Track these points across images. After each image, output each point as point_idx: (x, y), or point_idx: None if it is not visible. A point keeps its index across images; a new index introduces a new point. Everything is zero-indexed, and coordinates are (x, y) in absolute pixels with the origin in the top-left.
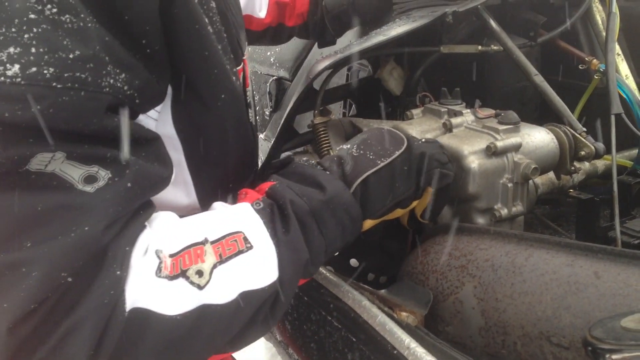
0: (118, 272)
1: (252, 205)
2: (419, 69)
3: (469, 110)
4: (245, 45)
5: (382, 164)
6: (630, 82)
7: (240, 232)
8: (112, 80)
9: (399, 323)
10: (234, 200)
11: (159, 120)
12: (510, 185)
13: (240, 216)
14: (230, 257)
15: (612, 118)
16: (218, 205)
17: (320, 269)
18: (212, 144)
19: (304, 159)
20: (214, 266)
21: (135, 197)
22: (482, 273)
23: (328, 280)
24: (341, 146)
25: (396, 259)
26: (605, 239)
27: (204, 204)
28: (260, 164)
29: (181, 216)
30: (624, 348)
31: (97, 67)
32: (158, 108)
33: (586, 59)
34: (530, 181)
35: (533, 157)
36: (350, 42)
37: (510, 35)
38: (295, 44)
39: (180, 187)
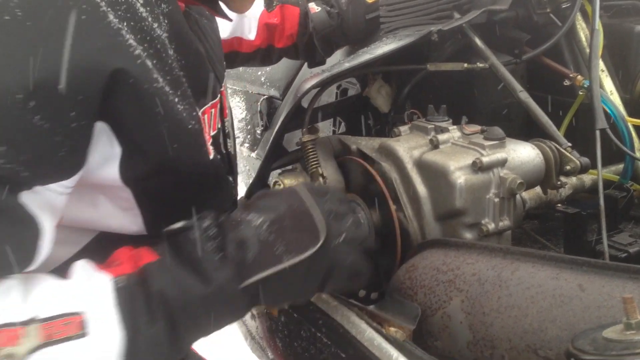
0: None
1: (113, 280)
2: (407, 86)
3: (455, 127)
4: (222, 77)
5: (288, 264)
6: (615, 98)
7: (80, 313)
8: None
9: (388, 338)
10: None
11: (105, 173)
12: (496, 200)
13: (92, 293)
14: (57, 341)
15: (597, 133)
16: (78, 270)
17: None
18: (164, 188)
19: (205, 225)
20: (33, 350)
21: None
22: (469, 287)
23: (317, 297)
24: (250, 216)
25: (387, 274)
26: (592, 253)
27: (155, 232)
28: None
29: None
30: (605, 358)
31: None
32: (66, 182)
33: (571, 75)
34: (518, 196)
35: (519, 172)
36: (339, 61)
37: (496, 52)
38: (285, 64)
39: (128, 217)
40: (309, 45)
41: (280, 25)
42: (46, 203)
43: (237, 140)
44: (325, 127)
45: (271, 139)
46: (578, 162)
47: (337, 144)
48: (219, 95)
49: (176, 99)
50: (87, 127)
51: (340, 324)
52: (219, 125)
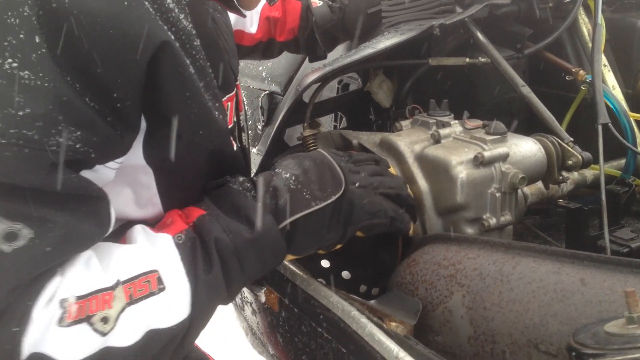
0: (14, 329)
1: (173, 238)
2: (408, 81)
3: (457, 122)
4: (237, 70)
5: (315, 208)
6: (617, 93)
7: (155, 271)
8: (61, 139)
9: (388, 333)
10: None
11: (128, 153)
12: (498, 194)
13: (159, 252)
14: (140, 299)
15: (600, 128)
16: (139, 235)
17: (311, 280)
18: (185, 173)
19: (240, 180)
20: (122, 310)
21: (53, 259)
22: (471, 282)
23: (317, 292)
24: (280, 167)
25: (388, 270)
26: (594, 248)
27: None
28: None
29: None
30: (607, 352)
31: (47, 126)
32: (120, 159)
33: (573, 70)
34: (520, 191)
35: (521, 167)
36: (340, 55)
37: (498, 47)
38: (286, 59)
39: (147, 209)
40: (310, 39)
41: (281, 19)
42: (102, 177)
43: None
44: (326, 122)
45: (272, 133)
46: (580, 157)
47: (339, 138)
48: (234, 89)
49: (202, 88)
50: (135, 108)
51: (341, 318)
52: (235, 119)
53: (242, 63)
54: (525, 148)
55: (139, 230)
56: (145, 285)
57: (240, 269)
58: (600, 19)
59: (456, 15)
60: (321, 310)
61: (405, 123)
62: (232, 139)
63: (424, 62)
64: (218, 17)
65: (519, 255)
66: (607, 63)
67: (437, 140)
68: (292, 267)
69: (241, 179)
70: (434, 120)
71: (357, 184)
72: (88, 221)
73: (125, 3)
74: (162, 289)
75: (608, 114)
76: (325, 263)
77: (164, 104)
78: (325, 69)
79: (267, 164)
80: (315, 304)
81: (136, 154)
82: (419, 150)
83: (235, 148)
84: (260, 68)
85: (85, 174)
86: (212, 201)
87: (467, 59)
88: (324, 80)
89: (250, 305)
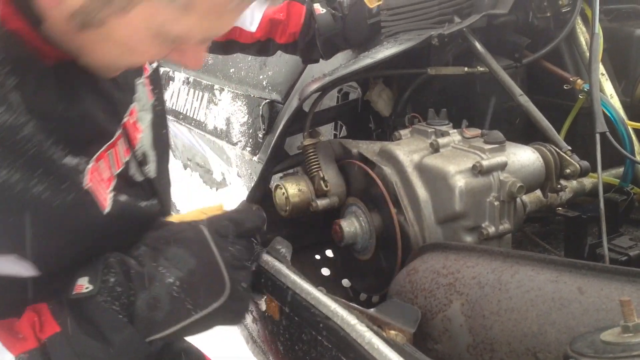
0: None
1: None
2: (407, 90)
3: (455, 131)
4: (126, 107)
5: (196, 317)
6: (615, 102)
7: None
8: None
9: (388, 341)
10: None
11: None
12: (497, 203)
13: None
14: None
15: (597, 137)
16: None
17: (310, 288)
18: (49, 253)
19: (112, 280)
20: None
21: None
22: (469, 290)
23: (318, 300)
24: (162, 268)
25: (387, 278)
26: (593, 256)
27: (54, 274)
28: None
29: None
30: None
31: None
32: None
33: (571, 79)
34: (518, 199)
35: (519, 176)
36: (339, 65)
37: (496, 56)
38: (287, 68)
39: (18, 265)
40: (310, 44)
41: (284, 22)
42: None
43: (239, 144)
44: (326, 131)
45: (273, 142)
46: (578, 166)
47: (338, 147)
48: (118, 131)
49: (33, 182)
50: None
51: (340, 327)
52: (126, 159)
53: (244, 72)
54: (524, 157)
55: None
56: None
57: None
58: (598, 28)
59: (454, 25)
60: (321, 318)
61: (404, 132)
62: (104, 199)
63: (423, 72)
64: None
65: (518, 263)
66: (604, 72)
67: (436, 149)
68: (292, 275)
69: (112, 279)
70: (433, 130)
71: (240, 287)
72: None
73: None
74: None
75: (606, 122)
76: (325, 271)
77: None
78: (325, 78)
79: (267, 173)
80: (315, 312)
81: None
82: (418, 160)
83: (108, 209)
84: (261, 77)
85: None
86: (73, 314)
87: (466, 69)
88: (324, 89)
89: (251, 313)
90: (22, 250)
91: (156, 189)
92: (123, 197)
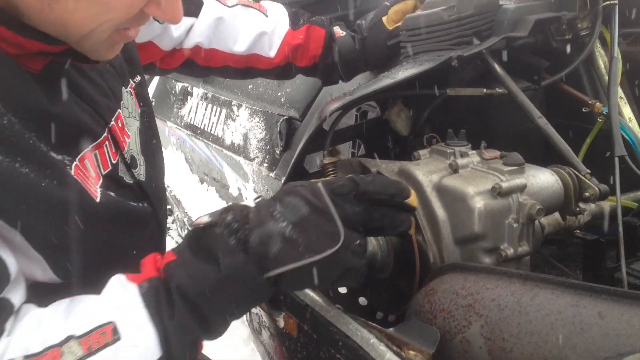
0: None
1: (138, 287)
2: (426, 110)
3: (474, 152)
4: (113, 112)
5: (307, 261)
6: (634, 125)
7: (111, 322)
8: None
9: None
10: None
11: None
12: (515, 225)
13: (122, 302)
14: (97, 351)
15: (616, 160)
16: (110, 285)
17: (330, 307)
18: (45, 235)
19: (229, 218)
20: None
21: None
22: (489, 312)
23: (337, 318)
24: (279, 208)
25: (405, 297)
26: (611, 280)
27: (68, 279)
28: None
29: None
30: None
31: None
32: None
33: (589, 102)
34: (536, 221)
35: (538, 198)
36: (359, 84)
37: (515, 78)
38: (305, 86)
39: (35, 263)
40: (330, 67)
41: (304, 45)
42: None
43: (256, 160)
44: (344, 149)
45: (293, 160)
46: (597, 189)
47: (358, 166)
48: (105, 133)
49: (17, 164)
50: None
51: (360, 345)
52: (114, 161)
53: (262, 88)
54: (543, 179)
55: (112, 282)
56: (100, 337)
57: (211, 309)
58: (617, 52)
59: (474, 47)
60: (340, 336)
61: (423, 152)
62: (94, 190)
63: (442, 92)
64: (75, 66)
65: (537, 286)
66: (623, 95)
67: (455, 170)
68: (311, 293)
69: (230, 217)
70: (452, 150)
71: (355, 243)
72: None
73: None
74: (116, 339)
75: (625, 146)
76: (342, 289)
77: None
78: (346, 98)
79: None
80: (334, 331)
81: None
82: (437, 180)
83: (98, 198)
84: (279, 94)
85: None
86: (189, 245)
87: (485, 90)
88: (345, 108)
89: (268, 329)
90: (26, 236)
91: (147, 193)
92: (112, 194)
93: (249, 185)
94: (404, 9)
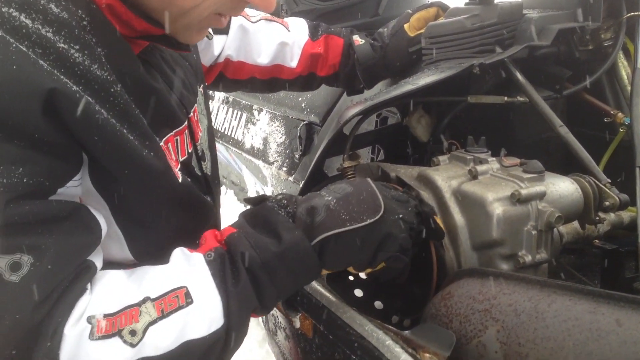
0: (49, 344)
1: (204, 256)
2: (447, 117)
3: (494, 159)
4: (192, 104)
5: (350, 227)
6: None
7: (184, 287)
8: (5, 180)
9: None
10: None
11: (82, 178)
12: (534, 232)
13: (190, 270)
14: (170, 313)
15: (637, 170)
16: (175, 256)
17: (346, 308)
18: (134, 208)
19: (278, 197)
20: (150, 323)
21: (59, 271)
22: (506, 317)
23: (353, 319)
24: (325, 190)
25: (420, 301)
26: (629, 291)
27: (141, 258)
28: None
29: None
30: None
31: None
32: (76, 177)
33: (611, 112)
34: (555, 230)
35: (557, 206)
36: (380, 90)
37: (536, 87)
38: (326, 91)
39: (114, 240)
40: (350, 75)
41: (323, 55)
42: (69, 196)
43: (275, 164)
44: (364, 154)
45: (312, 163)
46: (617, 199)
47: (377, 171)
48: (185, 122)
49: (125, 130)
50: (64, 139)
51: (375, 347)
52: (189, 150)
53: (282, 93)
54: (562, 187)
55: (176, 252)
56: (174, 300)
57: (269, 281)
58: None
59: (496, 55)
60: (356, 338)
61: (442, 158)
62: (176, 171)
63: (463, 100)
64: (174, 56)
65: (555, 293)
66: None
67: (474, 176)
68: (328, 294)
69: (279, 196)
70: (472, 157)
71: (399, 216)
72: (76, 233)
73: (11, 57)
74: (189, 302)
75: None
76: (358, 292)
77: (82, 146)
78: (366, 103)
79: (307, 192)
80: (350, 332)
81: (87, 180)
82: (456, 186)
83: (180, 180)
84: (300, 99)
85: (53, 197)
86: (246, 219)
87: (506, 98)
88: (365, 113)
89: (284, 330)
90: (114, 196)
91: (211, 187)
92: (188, 179)
93: (268, 189)
94: (426, 16)
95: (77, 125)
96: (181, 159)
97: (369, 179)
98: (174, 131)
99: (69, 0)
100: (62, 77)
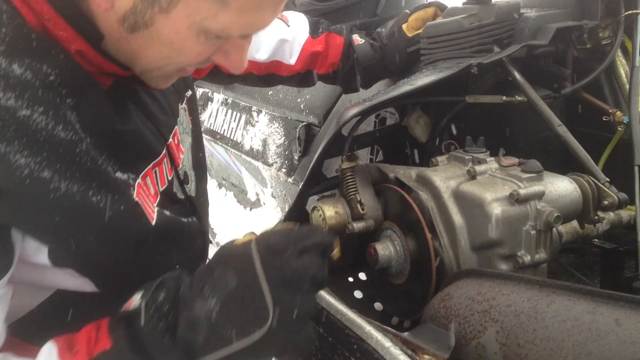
0: None
1: None
2: (445, 117)
3: (492, 159)
4: (170, 129)
5: (236, 349)
6: None
7: None
8: None
9: None
10: None
11: (39, 260)
12: (533, 232)
13: None
14: None
15: (636, 169)
16: (42, 356)
17: (345, 310)
18: (103, 261)
19: (160, 297)
20: None
21: None
22: (505, 318)
23: (352, 322)
24: (207, 286)
25: (420, 303)
26: (629, 289)
27: (108, 292)
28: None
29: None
30: None
31: None
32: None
33: (610, 110)
34: (554, 229)
35: (556, 206)
36: (378, 90)
37: (535, 86)
38: (324, 92)
39: (79, 281)
40: (349, 74)
41: (323, 53)
42: None
43: (274, 165)
44: (362, 155)
45: (311, 165)
46: (616, 198)
47: (376, 171)
48: (164, 150)
49: (90, 193)
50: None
51: (374, 349)
52: (170, 177)
53: (282, 94)
54: (561, 187)
55: (44, 351)
56: None
57: None
58: (638, 61)
59: (494, 54)
60: (355, 340)
61: (441, 158)
62: (151, 212)
63: (461, 100)
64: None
65: (554, 293)
66: None
67: (473, 176)
68: (327, 296)
69: (161, 298)
70: (470, 157)
71: (295, 313)
72: None
73: None
74: None
75: None
76: (358, 294)
77: (42, 234)
78: (365, 103)
79: (304, 194)
80: (349, 334)
81: (45, 262)
82: (455, 186)
83: (154, 221)
84: (299, 100)
85: None
86: (124, 331)
87: (504, 97)
88: (364, 114)
89: None
90: (80, 263)
91: (196, 207)
92: (167, 212)
93: (267, 190)
94: (424, 16)
95: (31, 213)
96: (161, 189)
97: (253, 249)
98: (152, 163)
99: (33, 56)
100: (18, 157)
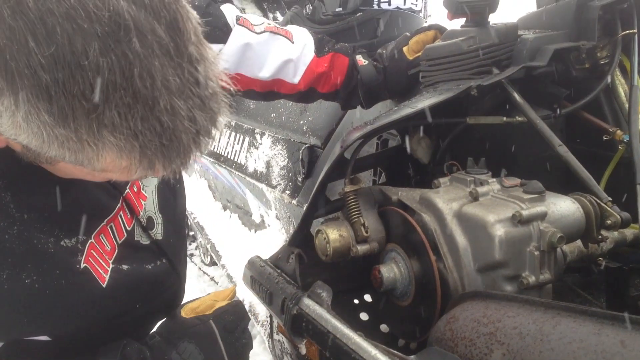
0: None
1: None
2: (447, 139)
3: (494, 180)
4: (127, 182)
5: None
6: None
7: None
8: None
9: None
10: None
11: None
12: (537, 253)
13: None
14: None
15: (638, 188)
16: None
17: (351, 334)
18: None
19: None
20: None
21: None
22: (511, 340)
23: (359, 346)
24: (175, 355)
25: (426, 325)
26: (635, 308)
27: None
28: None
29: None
30: None
31: None
32: None
33: (610, 129)
34: (559, 249)
35: (559, 226)
36: (379, 112)
37: (534, 107)
38: (327, 114)
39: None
40: (351, 93)
41: (327, 73)
42: None
43: (278, 187)
44: (365, 177)
45: (315, 188)
46: (619, 217)
47: (379, 194)
48: (118, 204)
49: (23, 275)
50: None
51: None
52: (128, 228)
53: (284, 117)
54: (564, 207)
55: None
56: None
57: None
58: (637, 80)
59: (493, 76)
60: None
61: (443, 180)
62: (103, 273)
63: (462, 121)
64: None
65: (559, 315)
66: None
67: (475, 198)
68: (333, 320)
69: None
70: (472, 178)
71: None
72: None
73: None
74: None
75: None
76: (364, 316)
77: None
78: (367, 127)
79: (309, 218)
80: (356, 358)
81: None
82: (458, 208)
83: (105, 283)
84: (302, 122)
85: None
86: None
87: (504, 118)
88: (366, 137)
89: (290, 356)
90: (27, 332)
91: (164, 250)
92: (125, 266)
93: (272, 212)
94: (424, 39)
95: None
96: (120, 241)
97: (214, 328)
98: (106, 220)
99: None
100: None
